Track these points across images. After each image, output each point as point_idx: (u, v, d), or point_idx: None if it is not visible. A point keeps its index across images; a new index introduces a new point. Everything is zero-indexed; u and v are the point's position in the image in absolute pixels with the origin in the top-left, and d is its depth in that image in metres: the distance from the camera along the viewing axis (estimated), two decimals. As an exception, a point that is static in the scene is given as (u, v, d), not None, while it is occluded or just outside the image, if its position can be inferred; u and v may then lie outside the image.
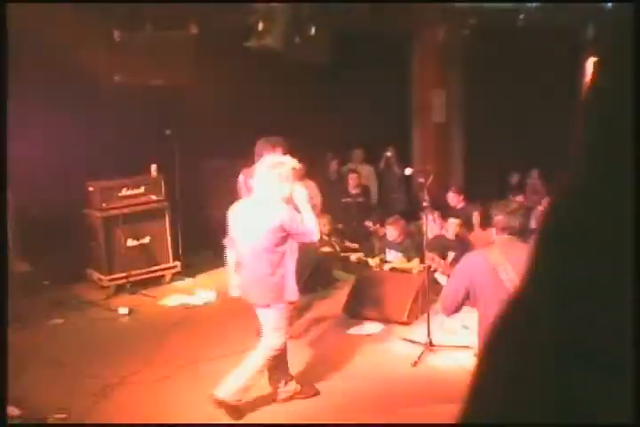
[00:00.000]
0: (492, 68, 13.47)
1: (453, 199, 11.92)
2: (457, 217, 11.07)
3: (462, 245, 10.33)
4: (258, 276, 6.76)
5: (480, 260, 5.50)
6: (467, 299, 5.53)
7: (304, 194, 6.83)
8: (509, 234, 5.47)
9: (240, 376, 6.85)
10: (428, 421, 6.50)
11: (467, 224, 11.83)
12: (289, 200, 6.74)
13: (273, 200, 6.60)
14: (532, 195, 14.07)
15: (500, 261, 5.27)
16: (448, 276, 6.83)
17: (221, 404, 6.75)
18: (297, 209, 6.76)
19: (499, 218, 5.52)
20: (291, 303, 7.06)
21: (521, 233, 5.51)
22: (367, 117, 12.49)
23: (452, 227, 10.72)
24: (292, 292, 6.85)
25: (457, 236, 10.70)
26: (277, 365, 7.13)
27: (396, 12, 11.21)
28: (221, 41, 10.53)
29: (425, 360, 7.93)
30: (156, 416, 6.78)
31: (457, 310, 5.66)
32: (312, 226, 6.67)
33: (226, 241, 7.67)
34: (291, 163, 6.76)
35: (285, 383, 7.18)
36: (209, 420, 6.70)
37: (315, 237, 6.80)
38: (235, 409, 6.82)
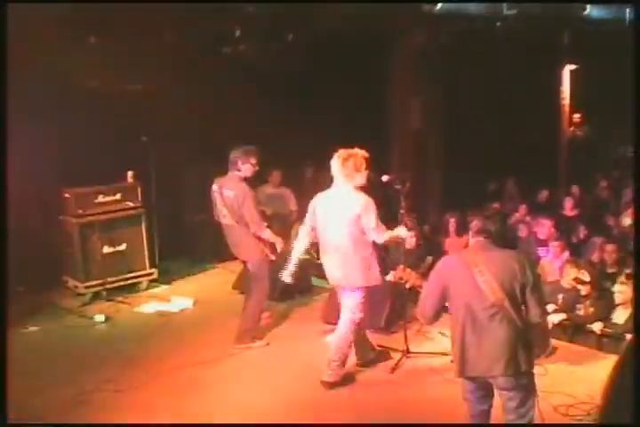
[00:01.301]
0: (469, 75, 13.52)
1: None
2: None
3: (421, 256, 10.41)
4: (346, 261, 7.37)
5: (455, 261, 5.51)
6: (444, 303, 5.47)
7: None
8: (485, 237, 5.42)
9: (336, 354, 7.53)
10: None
11: (443, 231, 11.87)
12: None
13: (350, 190, 7.24)
14: (508, 202, 14.13)
15: (475, 263, 5.25)
16: (419, 286, 6.84)
17: (333, 384, 7.48)
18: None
19: (475, 222, 5.50)
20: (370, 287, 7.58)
21: (496, 238, 5.47)
22: (344, 124, 12.50)
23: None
24: (376, 276, 7.54)
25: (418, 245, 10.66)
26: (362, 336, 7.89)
27: (374, 18, 11.22)
28: (198, 48, 10.53)
29: (403, 366, 7.93)
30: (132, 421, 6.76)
31: (435, 315, 5.53)
32: (383, 232, 7.30)
33: (301, 228, 7.92)
34: (360, 153, 7.27)
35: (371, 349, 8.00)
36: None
37: (379, 239, 7.37)
38: (343, 381, 7.56)
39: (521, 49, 13.37)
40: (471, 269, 5.24)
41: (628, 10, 13.51)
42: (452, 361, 7.63)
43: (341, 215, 7.25)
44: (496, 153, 14.53)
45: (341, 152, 7.28)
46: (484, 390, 5.48)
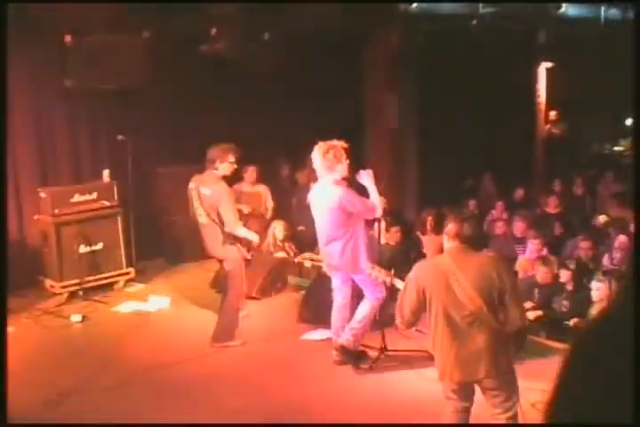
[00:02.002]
0: (445, 73, 13.55)
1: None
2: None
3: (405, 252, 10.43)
4: (335, 249, 7.63)
5: (431, 268, 5.46)
6: (423, 307, 5.45)
7: (368, 173, 7.63)
8: (461, 242, 5.39)
9: (355, 325, 7.83)
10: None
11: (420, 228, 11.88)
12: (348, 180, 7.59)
13: (330, 182, 7.44)
14: (485, 198, 14.17)
15: (451, 270, 5.22)
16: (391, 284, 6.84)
17: (341, 349, 7.83)
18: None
19: (450, 226, 5.43)
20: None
21: (472, 241, 5.46)
22: (321, 122, 12.50)
23: (393, 234, 10.66)
24: (365, 260, 7.59)
25: (399, 243, 10.66)
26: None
27: (349, 17, 11.23)
28: (174, 46, 10.50)
29: (380, 364, 7.94)
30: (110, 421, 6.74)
31: (415, 320, 5.59)
32: (373, 203, 7.54)
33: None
34: (339, 144, 7.46)
35: None
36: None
37: (377, 213, 7.63)
38: (351, 353, 7.86)
39: (497, 47, 13.41)
40: (448, 277, 5.21)
41: (602, 8, 13.59)
42: (429, 359, 7.76)
43: (325, 206, 7.53)
44: (472, 150, 14.58)
45: (321, 144, 7.46)
46: (467, 389, 5.51)
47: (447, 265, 5.28)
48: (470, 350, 5.23)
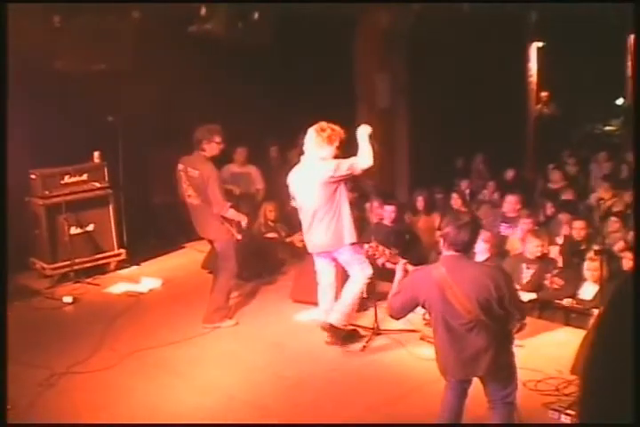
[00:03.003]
0: (436, 53, 13.52)
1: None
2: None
3: (400, 232, 10.39)
4: (321, 227, 7.70)
5: (426, 279, 5.28)
6: (414, 308, 5.45)
7: (366, 130, 7.78)
8: (457, 250, 5.22)
9: (344, 304, 7.89)
10: (380, 405, 6.58)
11: (411, 209, 11.88)
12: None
13: (317, 159, 7.58)
14: (476, 179, 14.18)
15: (447, 283, 5.11)
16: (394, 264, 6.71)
17: (331, 328, 7.85)
18: None
19: (447, 231, 5.24)
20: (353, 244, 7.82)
21: (469, 249, 5.35)
22: (310, 102, 12.46)
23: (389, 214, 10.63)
24: (351, 235, 7.73)
25: (394, 222, 10.62)
26: None
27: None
28: (164, 26, 10.43)
29: (372, 345, 7.96)
30: (103, 406, 6.75)
31: (403, 316, 5.57)
32: (359, 156, 7.64)
33: (293, 203, 8.32)
34: (339, 129, 7.63)
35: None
36: (157, 406, 6.68)
37: (367, 162, 7.65)
38: (342, 332, 7.92)
39: (488, 27, 13.37)
40: (443, 289, 5.10)
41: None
42: (420, 338, 7.78)
43: (312, 182, 7.60)
44: (464, 131, 14.56)
45: (321, 123, 7.63)
46: (467, 381, 5.53)
47: (442, 277, 5.13)
48: (470, 352, 5.20)
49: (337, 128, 7.61)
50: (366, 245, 6.90)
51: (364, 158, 7.62)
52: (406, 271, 5.68)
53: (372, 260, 8.06)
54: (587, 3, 12.68)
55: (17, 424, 6.32)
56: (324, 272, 8.15)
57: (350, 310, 7.94)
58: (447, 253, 5.28)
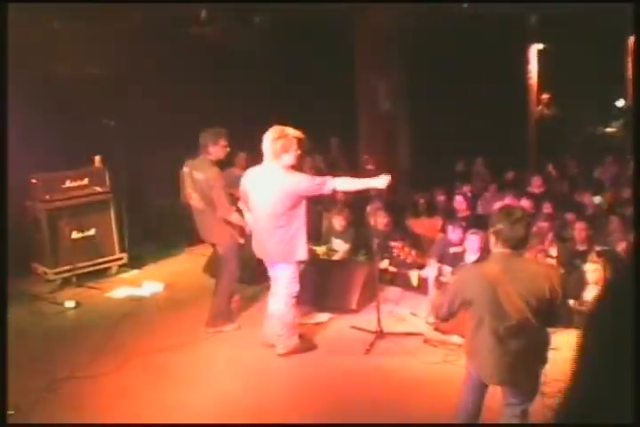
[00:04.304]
0: (436, 57, 13.52)
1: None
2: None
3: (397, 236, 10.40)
4: (271, 237, 7.46)
5: (477, 276, 5.07)
6: (462, 309, 5.17)
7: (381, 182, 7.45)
8: (511, 247, 4.97)
9: (280, 328, 7.78)
10: (383, 406, 6.55)
11: (413, 211, 11.87)
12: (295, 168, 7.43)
13: (277, 168, 7.29)
14: (477, 182, 14.17)
15: (500, 281, 4.88)
16: (418, 266, 6.58)
17: (290, 354, 7.78)
18: None
19: (500, 227, 4.96)
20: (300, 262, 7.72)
21: (523, 246, 5.10)
22: (311, 106, 12.47)
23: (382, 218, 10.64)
24: (302, 252, 7.57)
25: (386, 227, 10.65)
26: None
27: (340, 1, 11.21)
28: (164, 30, 10.44)
29: (376, 348, 7.94)
30: (106, 410, 6.72)
31: (451, 318, 5.36)
32: (322, 178, 7.38)
33: (240, 205, 8.12)
34: (293, 133, 7.32)
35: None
36: (160, 410, 6.66)
37: (341, 187, 7.56)
38: (303, 348, 7.91)
39: (488, 30, 13.38)
40: (495, 288, 4.88)
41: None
42: (424, 341, 7.77)
43: (267, 192, 7.34)
44: (464, 133, 14.55)
45: (273, 130, 7.37)
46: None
47: (496, 275, 4.90)
48: (512, 358, 5.01)
49: (291, 133, 7.32)
50: (395, 244, 6.83)
51: (343, 183, 7.43)
52: (440, 272, 5.53)
53: (395, 260, 8.00)
54: (588, 3, 12.67)
55: (17, 424, 6.31)
56: (276, 281, 7.97)
57: (290, 332, 7.82)
58: (500, 249, 5.02)
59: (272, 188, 7.29)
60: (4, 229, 7.57)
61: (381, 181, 7.40)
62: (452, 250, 9.71)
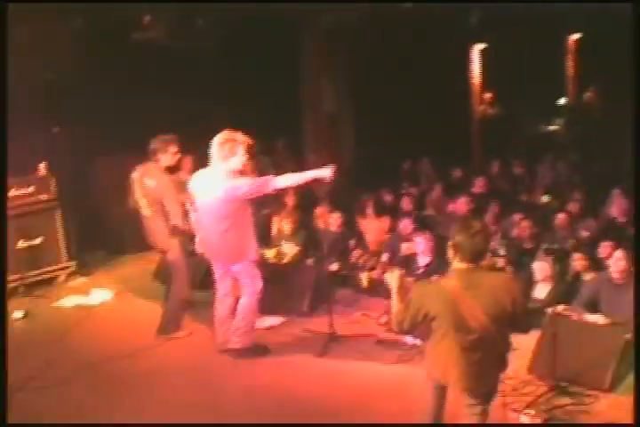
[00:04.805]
0: (379, 57, 13.58)
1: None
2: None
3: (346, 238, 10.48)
4: (219, 240, 7.51)
5: (438, 292, 4.98)
6: (419, 323, 5.07)
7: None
8: (470, 260, 4.91)
9: (241, 323, 7.78)
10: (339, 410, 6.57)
11: (360, 213, 11.90)
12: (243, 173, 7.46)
13: (220, 172, 7.31)
14: (423, 181, 14.27)
15: (460, 297, 4.85)
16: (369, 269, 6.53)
17: (236, 352, 7.80)
18: None
19: (459, 240, 4.91)
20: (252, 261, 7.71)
21: (482, 258, 5.01)
22: (256, 107, 12.47)
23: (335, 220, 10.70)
24: (253, 252, 7.63)
25: (340, 228, 10.71)
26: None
27: (283, 2, 11.20)
28: (108, 34, 10.36)
29: (330, 350, 7.95)
30: (60, 420, 6.64)
31: (413, 330, 5.29)
32: (265, 178, 7.44)
33: (188, 205, 8.07)
34: (241, 139, 7.34)
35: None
36: (114, 419, 6.59)
37: (283, 184, 7.47)
38: (258, 350, 7.89)
39: (430, 30, 13.47)
40: (458, 304, 4.85)
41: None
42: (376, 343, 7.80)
43: (212, 196, 7.38)
44: (410, 133, 14.63)
45: (222, 134, 7.39)
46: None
47: (457, 292, 4.86)
48: (478, 368, 5.00)
49: (239, 138, 7.35)
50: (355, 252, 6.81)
51: (285, 179, 7.43)
52: (402, 279, 5.47)
53: (355, 267, 8.03)
54: (578, 3, 12.81)
55: (17, 424, 6.28)
56: (221, 281, 7.99)
57: (249, 328, 7.84)
58: (459, 265, 4.97)
59: (216, 192, 7.33)
60: (4, 229, 7.47)
61: (325, 171, 7.43)
62: (405, 247, 9.80)
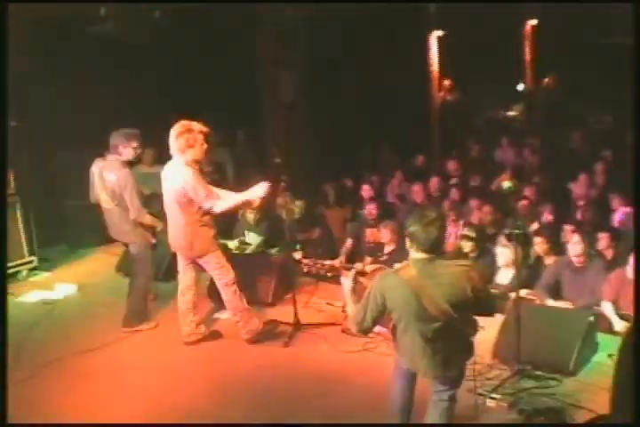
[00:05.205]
0: (336, 45, 13.60)
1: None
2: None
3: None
4: (183, 233, 7.53)
5: (398, 284, 4.92)
6: (383, 316, 5.07)
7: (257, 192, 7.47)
8: (426, 249, 4.87)
9: (235, 313, 7.82)
10: (305, 398, 6.58)
11: (322, 202, 11.94)
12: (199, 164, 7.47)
13: (180, 164, 7.29)
14: (384, 168, 14.32)
15: (421, 287, 4.81)
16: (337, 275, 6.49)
17: (255, 336, 7.88)
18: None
19: (413, 230, 4.86)
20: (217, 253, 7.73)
21: (439, 248, 4.97)
22: (216, 100, 12.44)
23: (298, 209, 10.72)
24: (214, 244, 7.66)
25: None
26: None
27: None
28: (64, 27, 10.28)
29: (295, 339, 7.98)
30: (27, 417, 6.59)
31: (373, 327, 5.17)
32: (217, 196, 7.38)
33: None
34: (197, 128, 7.30)
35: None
36: (82, 414, 6.57)
37: (216, 208, 7.37)
38: (266, 330, 8.02)
39: (388, 18, 13.49)
40: (419, 295, 4.81)
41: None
42: (342, 331, 7.84)
43: (170, 188, 7.42)
44: (369, 121, 14.67)
45: (179, 125, 7.35)
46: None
47: (416, 282, 4.83)
48: (445, 355, 5.03)
49: (196, 128, 7.32)
50: (304, 261, 6.80)
51: (223, 204, 7.40)
52: (357, 280, 5.45)
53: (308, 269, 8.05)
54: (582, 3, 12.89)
55: (17, 424, 6.25)
56: (184, 272, 7.97)
57: (243, 314, 7.85)
58: (416, 255, 4.93)
59: (174, 184, 7.35)
60: (4, 230, 7.40)
61: (259, 191, 7.46)
62: (369, 232, 9.84)
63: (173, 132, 7.31)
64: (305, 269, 6.85)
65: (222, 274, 7.68)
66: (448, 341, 5.01)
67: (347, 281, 5.36)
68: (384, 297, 4.94)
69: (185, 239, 7.55)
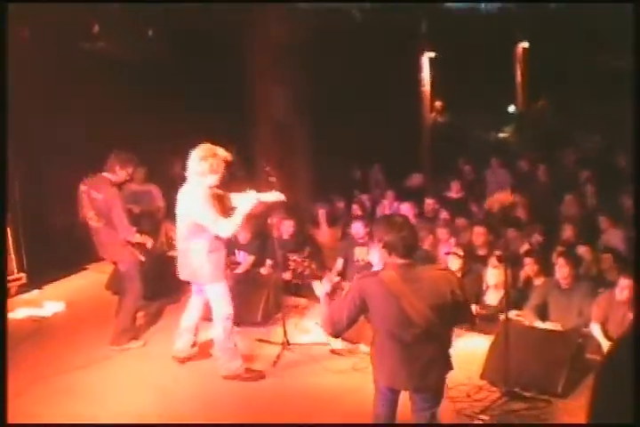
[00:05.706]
0: (333, 65, 13.63)
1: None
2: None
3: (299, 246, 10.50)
4: (193, 258, 7.31)
5: (378, 286, 4.91)
6: (359, 318, 5.08)
7: (251, 199, 7.32)
8: (403, 255, 4.90)
9: (223, 350, 7.55)
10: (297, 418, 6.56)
11: (312, 222, 11.93)
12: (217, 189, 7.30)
13: (197, 187, 7.10)
14: (375, 189, 14.34)
15: (401, 292, 4.82)
16: (318, 278, 6.50)
17: (232, 377, 7.51)
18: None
19: (388, 239, 4.89)
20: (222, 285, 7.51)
21: (414, 252, 5.01)
22: (210, 117, 12.44)
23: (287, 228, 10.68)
24: (220, 274, 7.40)
25: (292, 237, 10.70)
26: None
27: (238, 10, 11.20)
28: (56, 44, 10.30)
29: (284, 359, 7.96)
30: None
31: (348, 328, 5.13)
32: (225, 224, 7.07)
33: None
34: (223, 155, 7.14)
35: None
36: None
37: (223, 233, 7.15)
38: (252, 374, 7.60)
39: (381, 39, 13.56)
40: (399, 298, 4.82)
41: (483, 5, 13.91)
42: (331, 351, 7.82)
43: (184, 211, 7.24)
44: (360, 141, 14.70)
45: (204, 148, 7.16)
46: (398, 391, 5.39)
47: (397, 286, 4.84)
48: (422, 363, 5.00)
49: (221, 153, 7.15)
50: (291, 258, 6.77)
51: (226, 228, 7.14)
52: (334, 286, 5.43)
53: (293, 274, 8.01)
54: (585, 3, 12.93)
55: (17, 424, 6.24)
56: (195, 296, 7.91)
57: (230, 355, 7.58)
58: (394, 260, 4.94)
59: (187, 208, 7.18)
60: (4, 231, 7.37)
61: (250, 203, 7.30)
62: (358, 251, 9.82)
63: (197, 154, 7.10)
64: (290, 266, 6.80)
65: (221, 307, 7.47)
66: (427, 348, 5.00)
67: (325, 285, 5.40)
68: (363, 299, 4.95)
69: (191, 265, 7.39)
